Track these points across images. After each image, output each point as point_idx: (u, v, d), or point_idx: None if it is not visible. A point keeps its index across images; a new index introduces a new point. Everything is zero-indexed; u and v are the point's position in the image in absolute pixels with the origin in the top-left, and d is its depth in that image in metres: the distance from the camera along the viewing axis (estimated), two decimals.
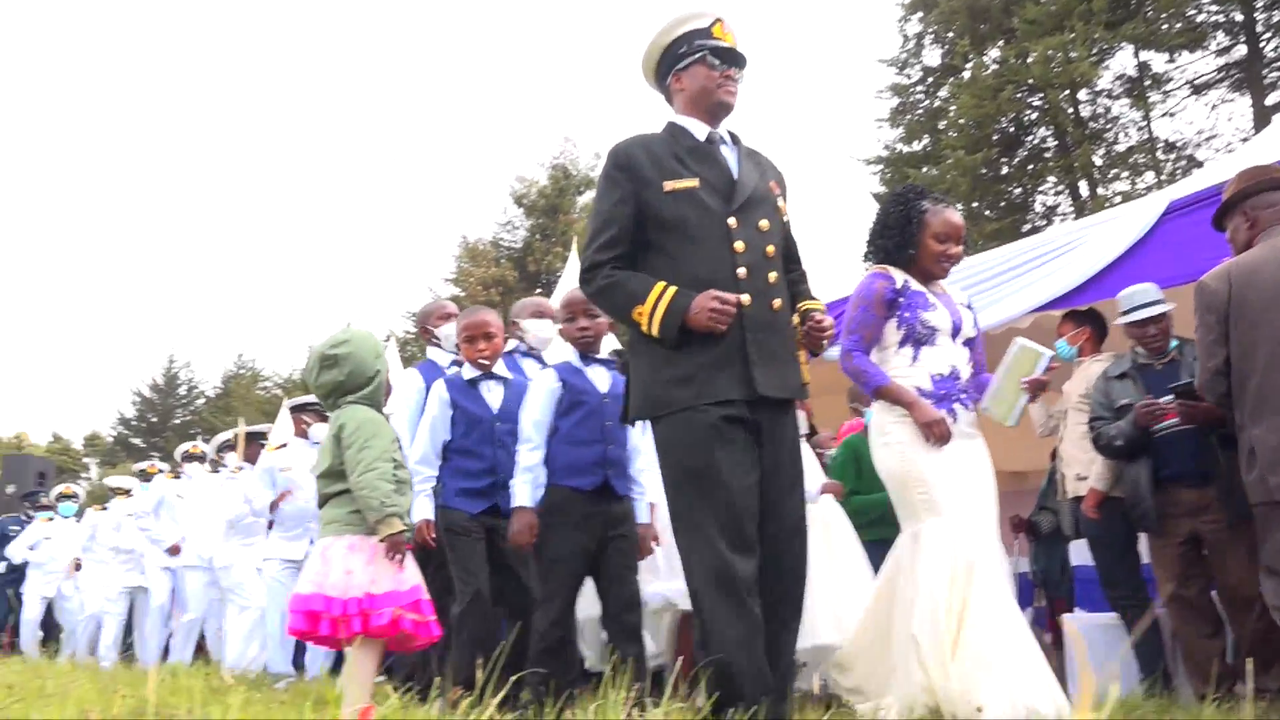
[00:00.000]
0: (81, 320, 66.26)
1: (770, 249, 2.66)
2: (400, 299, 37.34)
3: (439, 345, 4.52)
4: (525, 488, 3.41)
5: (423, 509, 3.58)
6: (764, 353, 2.56)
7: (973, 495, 3.16)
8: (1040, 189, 20.13)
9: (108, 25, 66.17)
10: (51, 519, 9.07)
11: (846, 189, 49.18)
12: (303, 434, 6.18)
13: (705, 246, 2.58)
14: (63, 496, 9.28)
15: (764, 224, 2.65)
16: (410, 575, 2.75)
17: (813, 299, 2.82)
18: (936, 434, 3.13)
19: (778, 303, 2.63)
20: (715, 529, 2.40)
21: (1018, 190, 19.98)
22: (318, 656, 5.80)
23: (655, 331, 2.52)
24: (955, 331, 3.30)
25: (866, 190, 20.93)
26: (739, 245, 2.59)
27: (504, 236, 30.79)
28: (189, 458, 7.75)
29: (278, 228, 67.12)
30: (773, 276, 2.64)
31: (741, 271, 2.56)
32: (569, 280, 10.69)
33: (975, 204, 19.06)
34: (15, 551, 8.96)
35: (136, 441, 41.87)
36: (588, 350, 3.59)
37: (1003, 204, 19.63)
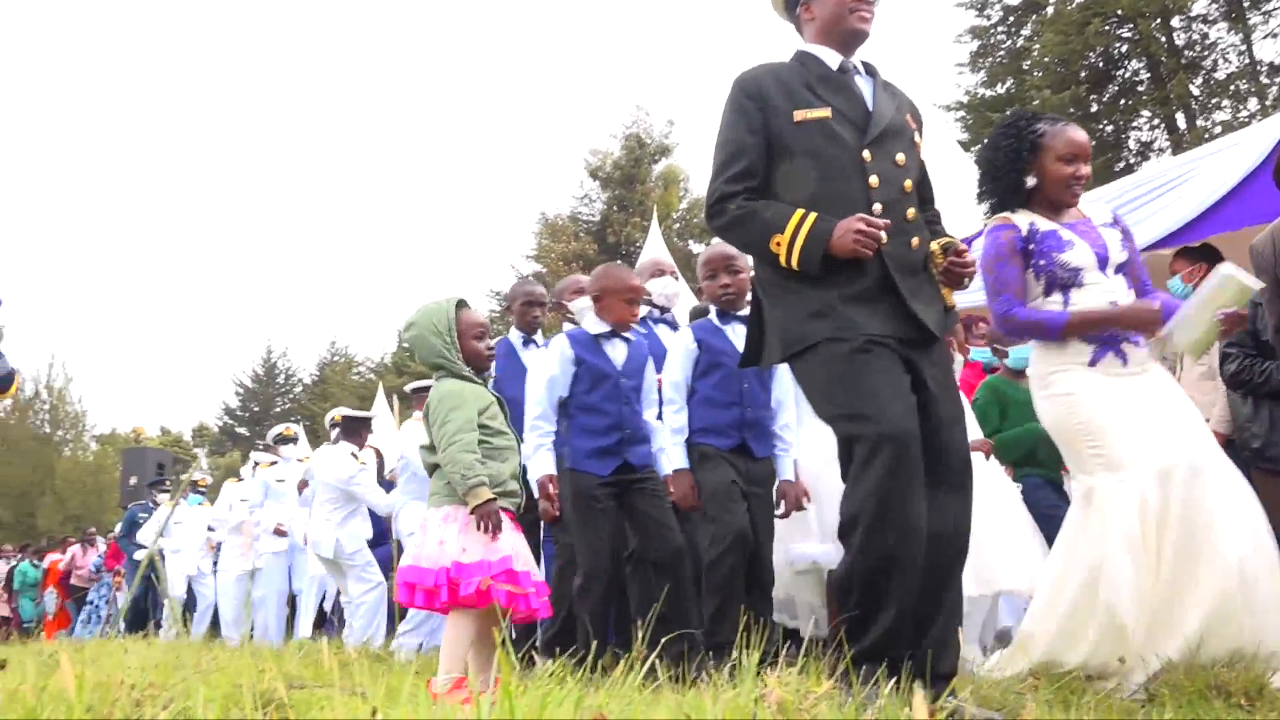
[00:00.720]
0: (183, 316, 68.85)
1: (907, 184, 2.49)
2: (485, 279, 37.56)
3: (573, 321, 4.36)
4: (678, 450, 3.42)
5: (543, 463, 3.53)
6: (910, 289, 2.40)
7: (1163, 434, 2.77)
8: (1133, 125, 19.32)
9: (198, 16, 68.07)
10: (179, 504, 9.51)
11: (929, 137, 47.65)
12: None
13: (837, 181, 2.42)
14: (195, 485, 9.81)
15: (900, 158, 2.48)
16: (504, 544, 2.70)
17: (949, 237, 2.59)
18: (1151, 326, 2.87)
19: (915, 241, 2.47)
20: (878, 461, 2.21)
21: (1109, 128, 19.20)
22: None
23: (795, 261, 2.36)
24: (1103, 263, 2.92)
25: (950, 139, 20.33)
26: (874, 180, 2.42)
27: (581, 210, 30.89)
28: (282, 440, 8.04)
29: (362, 215, 68.50)
30: (910, 213, 2.48)
31: (877, 207, 2.40)
32: (651, 249, 10.66)
33: None
34: (146, 535, 9.33)
35: (242, 431, 43.42)
36: (730, 308, 3.55)
37: (1094, 143, 18.87)
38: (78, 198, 68.14)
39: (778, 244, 2.38)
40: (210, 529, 8.95)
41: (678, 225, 30.00)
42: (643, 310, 4.17)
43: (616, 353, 3.65)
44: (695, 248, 30.02)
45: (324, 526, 6.21)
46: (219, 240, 70.26)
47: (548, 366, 3.64)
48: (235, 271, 68.45)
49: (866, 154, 2.43)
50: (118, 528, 11.25)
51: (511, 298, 4.78)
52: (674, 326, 4.27)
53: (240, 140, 71.95)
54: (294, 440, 8.18)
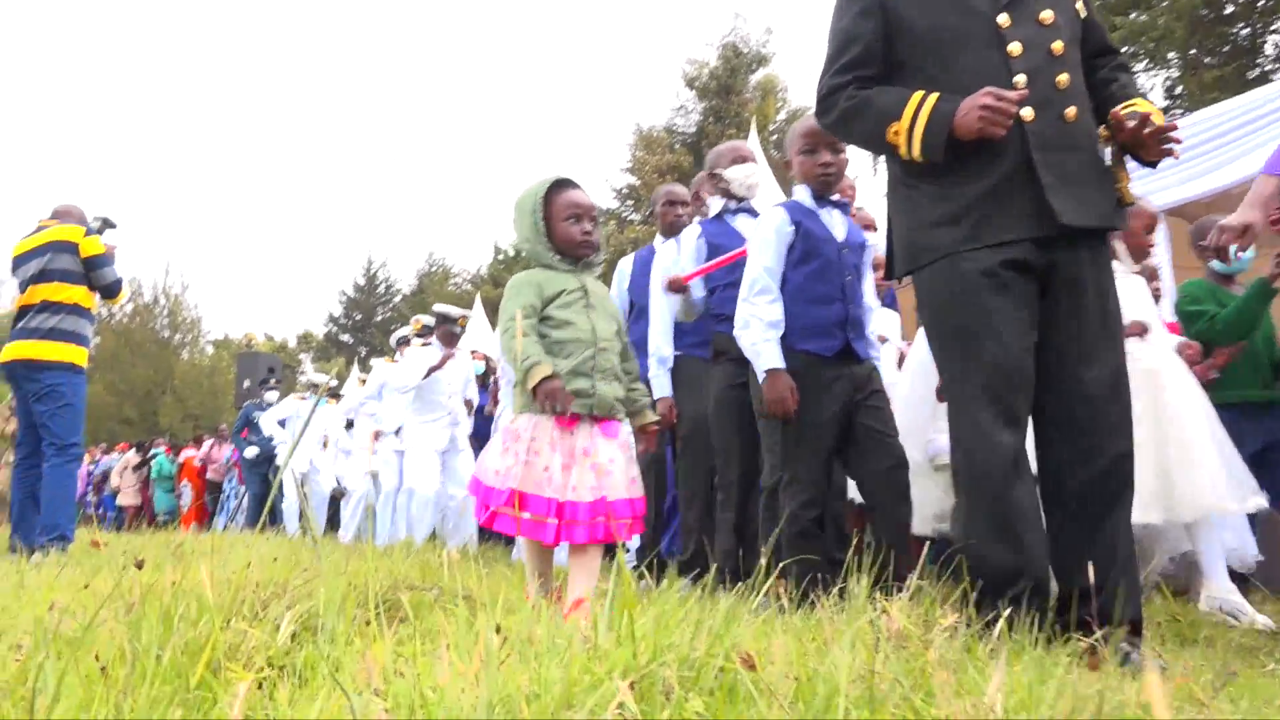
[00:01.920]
0: (290, 228, 70.75)
1: (1057, 46, 2.15)
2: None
3: (729, 193, 3.86)
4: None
5: (772, 356, 2.97)
6: (1060, 174, 2.08)
7: None
8: (1272, 29, 17.89)
9: None
10: (304, 398, 9.81)
11: None
12: None
13: (970, 56, 2.14)
14: (313, 386, 9.91)
15: (1046, 16, 2.16)
16: (512, 474, 2.41)
17: (1138, 97, 2.23)
18: None
19: (1072, 111, 2.13)
20: (979, 398, 2.04)
21: (1244, 30, 17.83)
22: None
23: (917, 150, 2.11)
24: None
25: None
26: (1014, 48, 2.12)
27: (677, 122, 30.36)
28: (403, 341, 7.87)
29: (459, 128, 68.74)
30: (1063, 80, 2.15)
31: (1020, 79, 2.10)
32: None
33: (1193, 50, 17.19)
34: (266, 423, 9.59)
35: (345, 339, 44.80)
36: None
37: (1226, 48, 17.60)
38: (194, 114, 70.03)
39: (895, 133, 2.14)
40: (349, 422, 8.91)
41: (775, 136, 29.33)
42: (716, 204, 3.90)
43: (834, 221, 3.12)
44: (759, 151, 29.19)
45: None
46: (324, 152, 71.53)
47: (762, 241, 3.08)
48: (338, 184, 69.74)
49: (1003, 19, 2.15)
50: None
51: (653, 201, 4.60)
52: (755, 216, 3.77)
53: (348, 55, 72.56)
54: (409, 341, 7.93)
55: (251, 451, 9.72)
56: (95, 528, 14.82)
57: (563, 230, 2.60)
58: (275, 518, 9.67)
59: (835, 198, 3.15)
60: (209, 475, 11.62)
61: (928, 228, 2.18)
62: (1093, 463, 2.07)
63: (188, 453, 13.29)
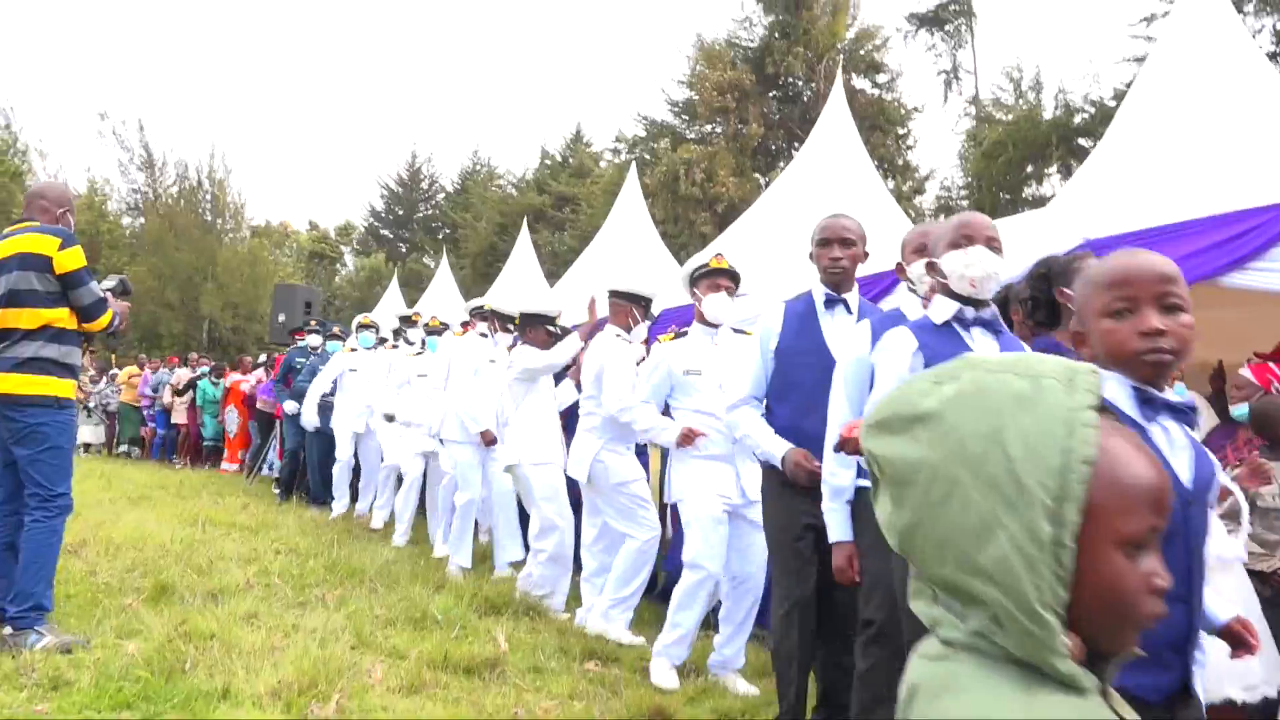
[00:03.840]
0: (333, 114, 69.90)
1: None
2: (634, 103, 36.47)
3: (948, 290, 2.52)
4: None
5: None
6: None
7: None
8: None
9: None
10: (355, 350, 8.52)
11: None
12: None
13: None
14: (362, 327, 8.65)
15: None
16: None
17: None
18: None
19: None
20: None
21: None
22: None
23: None
24: None
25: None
26: None
27: (740, 35, 29.17)
28: (479, 313, 6.71)
29: (513, 26, 66.89)
30: None
31: None
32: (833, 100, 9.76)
33: None
34: (316, 390, 8.53)
35: (386, 233, 44.57)
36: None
37: None
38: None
39: None
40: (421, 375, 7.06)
41: (841, 57, 28.05)
42: (943, 307, 2.49)
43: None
44: (859, 83, 28.12)
45: None
46: (372, 38, 70.07)
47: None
48: (384, 72, 68.48)
49: None
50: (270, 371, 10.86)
51: (853, 236, 3.34)
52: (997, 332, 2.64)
53: None
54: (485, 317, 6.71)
55: (292, 406, 9.15)
56: (145, 448, 14.93)
57: None
58: (313, 490, 9.03)
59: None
60: (259, 406, 11.05)
61: None
62: None
63: (234, 376, 12.89)
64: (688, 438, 3.89)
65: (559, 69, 63.04)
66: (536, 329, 5.25)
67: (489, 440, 5.84)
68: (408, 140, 60.75)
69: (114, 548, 5.42)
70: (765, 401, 3.27)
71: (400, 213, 44.54)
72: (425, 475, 7.10)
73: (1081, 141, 23.33)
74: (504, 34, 67.09)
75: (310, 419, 8.52)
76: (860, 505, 2.71)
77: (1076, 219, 4.99)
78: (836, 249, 3.19)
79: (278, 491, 9.34)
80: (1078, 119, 22.92)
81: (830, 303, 3.22)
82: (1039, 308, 2.92)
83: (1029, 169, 24.01)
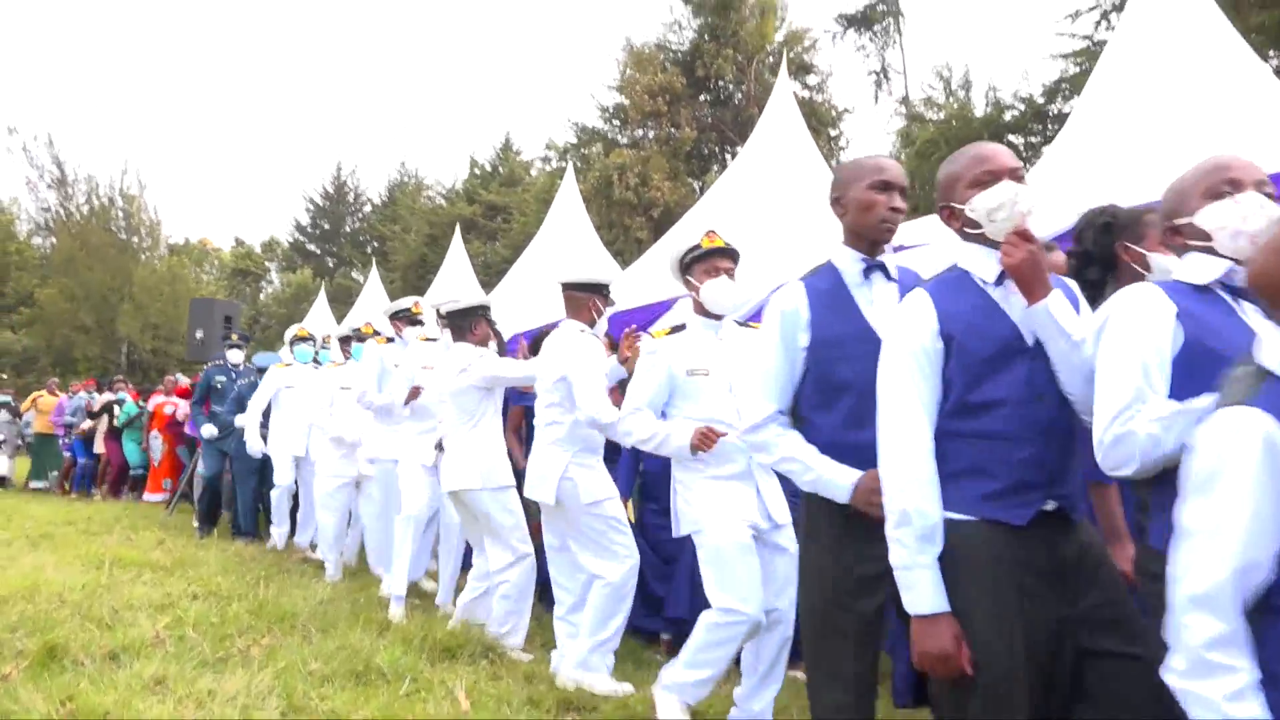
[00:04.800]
0: (255, 128, 68.05)
1: None
2: (564, 108, 35.97)
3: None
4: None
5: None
6: None
7: None
8: None
9: None
10: (290, 365, 7.67)
11: None
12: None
13: None
14: (298, 339, 7.71)
15: None
16: None
17: None
18: None
19: None
20: None
21: None
22: None
23: None
24: None
25: None
26: None
27: (670, 38, 28.88)
28: (404, 316, 6.10)
29: (439, 34, 65.85)
30: None
31: None
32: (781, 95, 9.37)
33: None
34: (256, 411, 7.61)
35: (312, 248, 43.36)
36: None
37: None
38: (158, 4, 66.32)
39: None
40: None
41: (770, 59, 27.92)
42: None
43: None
44: (790, 86, 27.80)
45: None
46: (294, 50, 68.38)
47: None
48: (307, 84, 66.91)
49: None
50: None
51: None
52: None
53: None
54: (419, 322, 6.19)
55: (209, 431, 8.30)
56: (67, 483, 13.47)
57: None
58: (241, 521, 8.15)
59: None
60: (188, 431, 10.05)
61: None
62: None
63: (158, 399, 11.75)
64: (706, 439, 3.11)
65: (486, 77, 62.25)
66: (476, 322, 4.61)
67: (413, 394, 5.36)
68: (332, 153, 59.19)
69: None
70: (794, 413, 2.47)
71: (327, 227, 43.41)
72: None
73: (1012, 138, 23.48)
74: (429, 43, 66.05)
75: (256, 445, 7.57)
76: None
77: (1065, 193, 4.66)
78: (899, 197, 2.39)
79: (197, 525, 8.47)
80: (1008, 115, 23.03)
81: (868, 270, 2.42)
82: (1091, 263, 2.55)
83: None
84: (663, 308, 6.85)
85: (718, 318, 3.38)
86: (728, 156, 28.99)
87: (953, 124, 23.43)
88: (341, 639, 4.16)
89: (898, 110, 28.37)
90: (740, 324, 3.48)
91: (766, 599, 3.09)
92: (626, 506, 5.33)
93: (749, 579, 3.04)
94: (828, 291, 2.43)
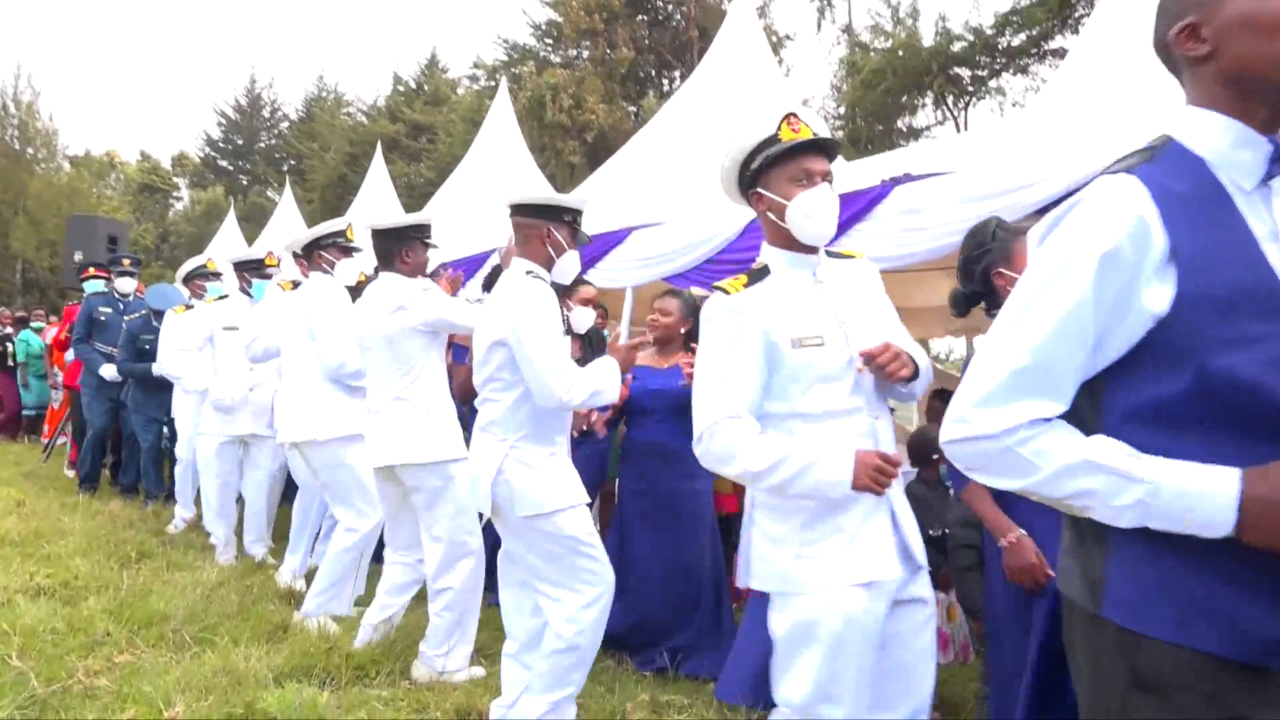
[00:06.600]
0: (163, 33, 63.91)
1: None
2: (493, 24, 34.18)
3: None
4: None
5: None
6: None
7: None
8: None
9: None
10: (191, 307, 6.10)
11: None
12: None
13: None
14: (208, 274, 6.18)
15: None
16: None
17: None
18: None
19: None
20: None
21: None
22: None
23: None
24: None
25: None
26: None
27: None
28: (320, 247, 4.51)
29: None
30: None
31: None
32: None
33: None
34: (162, 364, 6.11)
35: (224, 164, 41.10)
36: None
37: None
38: None
39: None
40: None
41: None
42: None
43: None
44: (728, 6, 26.59)
45: None
46: None
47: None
48: None
49: None
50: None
51: None
52: None
53: None
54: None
55: (110, 372, 6.78)
56: None
57: None
58: (144, 482, 6.80)
59: None
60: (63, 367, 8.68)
61: None
62: None
63: (53, 331, 9.71)
64: (882, 473, 1.95)
65: None
66: (409, 246, 3.61)
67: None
68: (246, 63, 55.64)
69: None
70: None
71: (240, 142, 41.09)
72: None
73: (960, 70, 22.86)
74: None
75: (194, 384, 5.85)
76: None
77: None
78: None
79: (80, 484, 7.08)
80: (957, 46, 22.35)
81: (1277, 158, 1.24)
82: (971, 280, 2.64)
83: (903, 99, 23.43)
84: (477, 262, 5.69)
85: (812, 250, 2.18)
86: (665, 81, 27.83)
87: (899, 53, 22.70)
88: (223, 654, 3.34)
89: (839, 39, 27.51)
90: (833, 255, 2.27)
91: (890, 691, 2.06)
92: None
93: (853, 677, 1.97)
94: (1195, 201, 1.22)
